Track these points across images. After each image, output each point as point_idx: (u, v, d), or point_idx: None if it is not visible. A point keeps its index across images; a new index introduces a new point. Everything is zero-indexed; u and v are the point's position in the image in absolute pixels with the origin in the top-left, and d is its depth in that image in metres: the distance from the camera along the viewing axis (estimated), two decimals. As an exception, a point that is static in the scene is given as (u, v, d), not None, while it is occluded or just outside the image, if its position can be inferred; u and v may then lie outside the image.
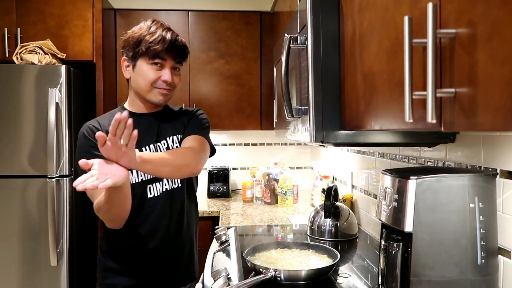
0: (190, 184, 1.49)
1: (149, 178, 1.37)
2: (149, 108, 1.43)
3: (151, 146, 1.39)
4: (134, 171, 1.34)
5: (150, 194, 1.38)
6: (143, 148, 1.36)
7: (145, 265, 1.39)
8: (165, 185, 1.40)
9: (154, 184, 1.38)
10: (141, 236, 1.37)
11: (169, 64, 1.34)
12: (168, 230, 1.40)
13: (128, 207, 1.26)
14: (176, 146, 1.42)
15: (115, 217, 1.29)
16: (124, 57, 1.39)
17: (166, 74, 1.33)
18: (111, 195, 1.18)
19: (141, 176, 1.36)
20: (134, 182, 1.35)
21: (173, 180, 1.41)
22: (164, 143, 1.41)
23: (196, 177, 1.56)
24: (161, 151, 1.39)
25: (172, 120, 1.46)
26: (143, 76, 1.33)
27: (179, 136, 1.44)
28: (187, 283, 1.48)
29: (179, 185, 1.43)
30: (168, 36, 1.32)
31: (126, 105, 1.45)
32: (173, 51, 1.33)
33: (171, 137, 1.43)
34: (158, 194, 1.39)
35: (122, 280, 1.38)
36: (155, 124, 1.42)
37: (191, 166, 1.31)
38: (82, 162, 1.04)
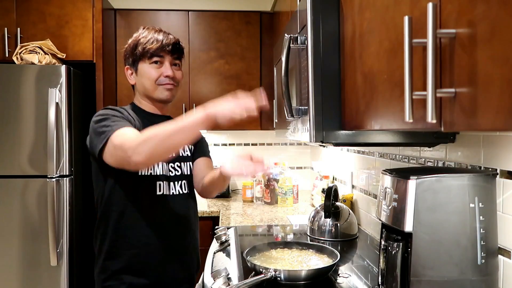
0: (193, 191, 1.55)
1: (157, 174, 1.39)
2: (159, 109, 1.48)
3: None
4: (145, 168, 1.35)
5: (159, 191, 1.39)
6: None
7: (146, 265, 1.38)
8: (172, 189, 1.42)
9: (164, 182, 1.40)
10: (146, 235, 1.37)
11: (167, 60, 1.42)
12: (172, 232, 1.40)
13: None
14: (187, 154, 1.51)
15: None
16: (126, 66, 1.47)
17: (167, 70, 1.41)
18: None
19: (150, 170, 1.38)
20: (142, 174, 1.36)
21: (182, 186, 1.45)
22: None
23: None
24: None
25: None
26: (147, 77, 1.41)
27: (191, 147, 1.53)
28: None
29: (188, 191, 1.48)
30: (160, 36, 1.42)
31: (136, 103, 1.49)
32: (168, 47, 1.41)
33: None
34: (167, 193, 1.40)
35: (126, 279, 1.37)
36: None
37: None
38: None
